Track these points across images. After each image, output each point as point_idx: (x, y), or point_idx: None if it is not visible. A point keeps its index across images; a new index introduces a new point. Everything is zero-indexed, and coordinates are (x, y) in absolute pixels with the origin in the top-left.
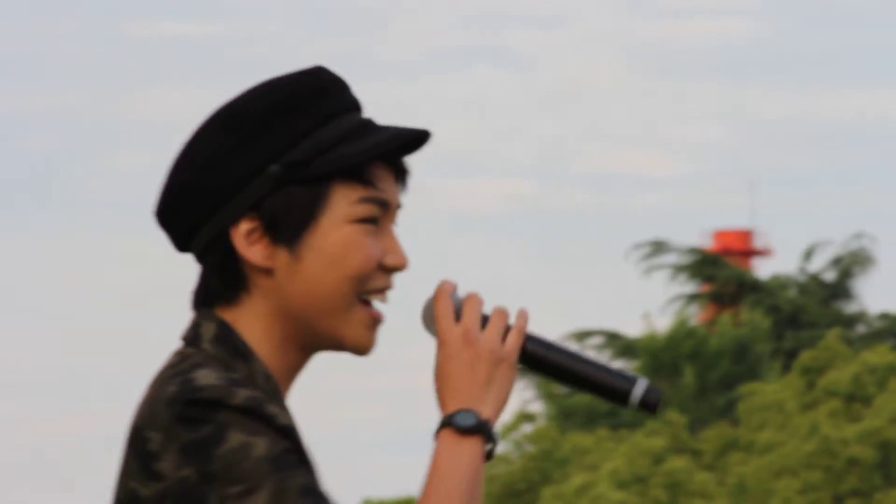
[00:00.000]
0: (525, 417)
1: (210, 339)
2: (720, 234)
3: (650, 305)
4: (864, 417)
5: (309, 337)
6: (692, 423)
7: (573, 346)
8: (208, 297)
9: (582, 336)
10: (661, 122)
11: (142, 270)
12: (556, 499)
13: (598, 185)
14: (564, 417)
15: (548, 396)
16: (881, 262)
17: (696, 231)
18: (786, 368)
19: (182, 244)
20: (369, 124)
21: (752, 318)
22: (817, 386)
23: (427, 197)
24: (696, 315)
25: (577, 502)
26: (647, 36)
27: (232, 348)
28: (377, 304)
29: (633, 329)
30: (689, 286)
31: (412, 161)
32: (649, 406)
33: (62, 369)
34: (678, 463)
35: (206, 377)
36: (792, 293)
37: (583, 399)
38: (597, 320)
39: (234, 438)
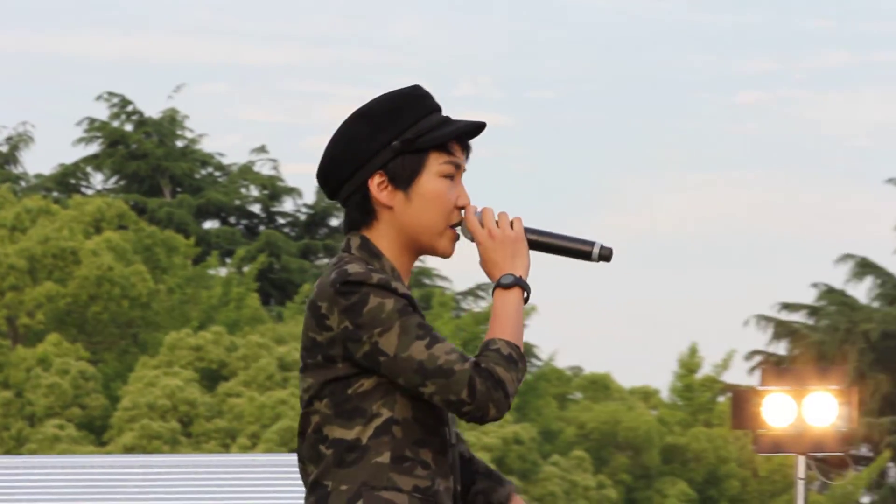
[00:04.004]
0: None
1: (356, 247)
2: None
3: None
4: (21, 241)
5: (414, 246)
6: None
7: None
8: (352, 225)
9: None
10: None
11: None
12: None
13: None
14: None
15: None
16: (38, 141)
17: None
18: None
19: (332, 194)
20: (448, 119)
21: None
22: None
23: None
24: None
25: None
26: None
27: (369, 252)
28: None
29: None
30: None
31: None
32: (605, 257)
33: None
34: None
35: (354, 268)
36: None
37: None
38: None
39: (373, 301)
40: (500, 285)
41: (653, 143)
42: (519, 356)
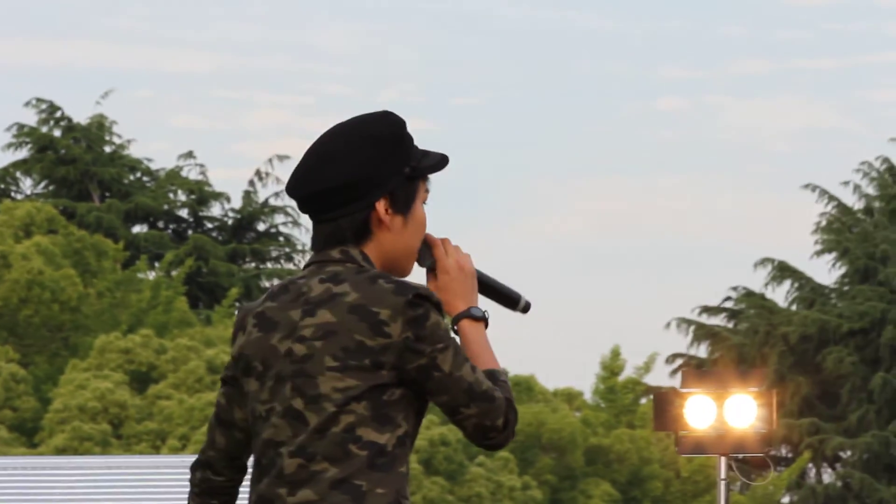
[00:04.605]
0: None
1: (360, 259)
2: None
3: None
4: None
5: (389, 267)
6: None
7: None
8: (339, 241)
9: None
10: None
11: None
12: None
13: None
14: None
15: None
16: None
17: None
18: None
19: (323, 211)
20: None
21: None
22: None
23: None
24: None
25: None
26: None
27: (372, 265)
28: None
29: None
30: None
31: None
32: (525, 310)
33: None
34: None
35: (415, 283)
36: None
37: None
38: None
39: (433, 317)
40: (471, 317)
41: (574, 149)
42: None
